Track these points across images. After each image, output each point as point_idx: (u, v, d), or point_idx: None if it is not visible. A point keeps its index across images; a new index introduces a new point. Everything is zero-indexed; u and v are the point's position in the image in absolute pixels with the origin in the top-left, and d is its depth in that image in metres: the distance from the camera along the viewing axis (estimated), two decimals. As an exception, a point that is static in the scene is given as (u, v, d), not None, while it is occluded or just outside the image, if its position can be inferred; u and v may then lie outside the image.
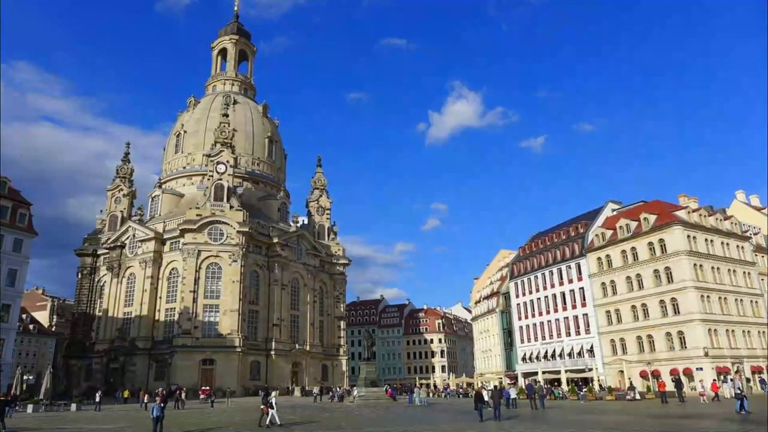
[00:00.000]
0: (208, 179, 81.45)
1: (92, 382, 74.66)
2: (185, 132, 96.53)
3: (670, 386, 49.97)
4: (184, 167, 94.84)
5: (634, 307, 65.79)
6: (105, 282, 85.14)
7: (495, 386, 41.01)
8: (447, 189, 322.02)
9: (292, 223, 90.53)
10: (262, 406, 27.15)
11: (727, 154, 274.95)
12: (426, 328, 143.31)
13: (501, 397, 31.79)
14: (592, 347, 70.70)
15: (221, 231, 77.04)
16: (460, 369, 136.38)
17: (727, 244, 66.82)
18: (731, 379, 50.27)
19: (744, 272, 66.56)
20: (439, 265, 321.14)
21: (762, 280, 68.32)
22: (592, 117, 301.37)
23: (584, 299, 73.20)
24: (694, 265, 61.54)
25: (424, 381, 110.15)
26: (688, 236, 62.92)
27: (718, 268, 63.79)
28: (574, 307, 75.00)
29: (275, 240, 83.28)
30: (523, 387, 52.57)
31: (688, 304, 59.69)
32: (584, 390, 55.00)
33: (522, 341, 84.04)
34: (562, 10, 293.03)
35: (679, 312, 60.51)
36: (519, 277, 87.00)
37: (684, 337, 59.81)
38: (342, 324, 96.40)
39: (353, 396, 55.12)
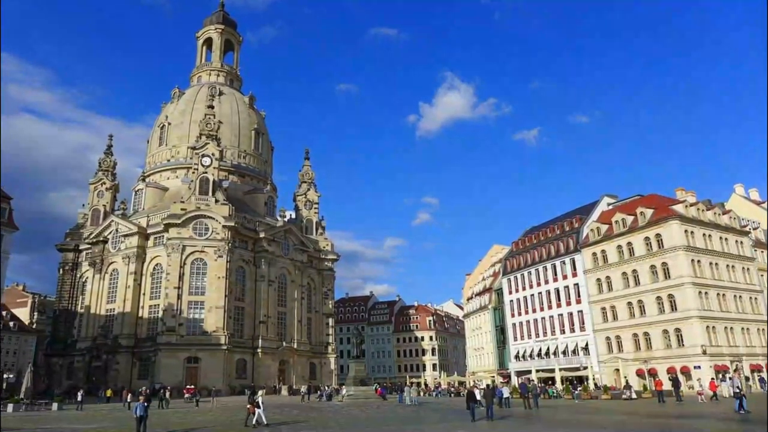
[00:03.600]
0: (193, 172, 79.43)
1: (74, 381, 72.85)
2: (169, 124, 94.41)
3: (667, 385, 48.90)
4: (169, 160, 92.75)
5: (630, 303, 64.58)
6: (87, 278, 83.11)
7: (487, 385, 40.67)
8: (438, 182, 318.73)
9: (279, 218, 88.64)
10: (248, 406, 26.85)
11: (726, 146, 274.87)
12: (416, 326, 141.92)
13: (494, 396, 31.17)
14: (587, 345, 69.56)
15: (206, 226, 75.20)
16: (452, 367, 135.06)
17: (726, 239, 65.84)
18: (730, 378, 48.89)
19: (743, 268, 65.61)
20: (430, 261, 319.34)
21: (761, 276, 67.39)
22: (587, 109, 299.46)
23: (579, 296, 72.01)
24: (692, 260, 60.53)
25: (414, 379, 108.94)
26: (686, 231, 61.81)
27: (716, 264, 62.74)
28: (568, 303, 73.81)
29: (262, 235, 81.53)
30: (517, 386, 51.39)
31: (686, 300, 58.61)
32: (579, 389, 53.82)
33: (515, 339, 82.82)
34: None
35: (676, 309, 59.48)
36: (512, 273, 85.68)
37: (681, 335, 58.79)
38: (330, 321, 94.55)
39: (342, 395, 54.13)
